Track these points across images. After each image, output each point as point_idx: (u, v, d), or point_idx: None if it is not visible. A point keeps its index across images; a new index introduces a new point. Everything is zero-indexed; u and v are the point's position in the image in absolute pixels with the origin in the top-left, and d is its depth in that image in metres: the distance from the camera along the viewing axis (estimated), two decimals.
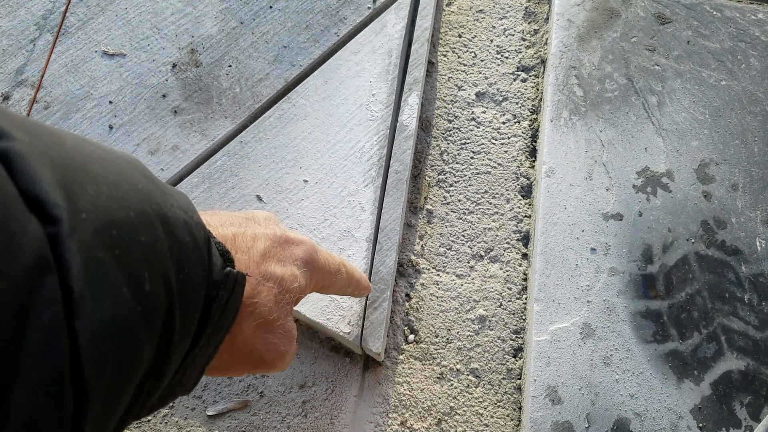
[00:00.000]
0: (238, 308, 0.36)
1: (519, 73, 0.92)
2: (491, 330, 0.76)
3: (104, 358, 0.23)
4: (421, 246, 0.81)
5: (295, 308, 0.71)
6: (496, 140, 0.87)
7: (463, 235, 0.82)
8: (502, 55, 0.93)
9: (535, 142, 0.87)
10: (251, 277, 0.39)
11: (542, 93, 0.89)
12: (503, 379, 0.74)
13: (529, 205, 0.83)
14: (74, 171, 0.24)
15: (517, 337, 0.76)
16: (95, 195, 0.24)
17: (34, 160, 0.22)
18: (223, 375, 0.43)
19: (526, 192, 0.84)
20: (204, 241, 0.32)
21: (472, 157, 0.86)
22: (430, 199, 0.84)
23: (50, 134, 0.24)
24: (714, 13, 0.91)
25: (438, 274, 0.80)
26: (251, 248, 0.41)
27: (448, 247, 0.81)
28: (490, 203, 0.83)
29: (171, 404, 0.72)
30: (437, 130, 0.88)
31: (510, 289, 0.79)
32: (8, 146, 0.21)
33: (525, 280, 0.79)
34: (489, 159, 0.86)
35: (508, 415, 0.72)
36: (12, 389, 0.19)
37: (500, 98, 0.90)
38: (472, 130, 0.88)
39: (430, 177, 0.85)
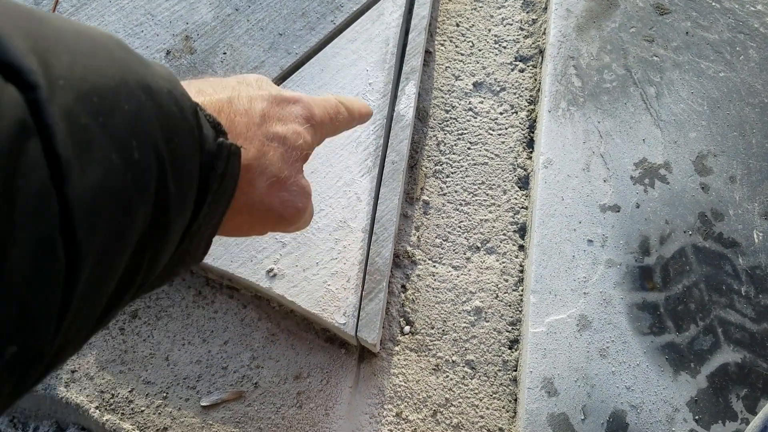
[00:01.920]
0: (236, 178, 0.36)
1: (517, 63, 0.91)
2: (487, 321, 0.76)
3: (96, 222, 0.23)
4: (418, 237, 0.81)
5: (289, 299, 0.71)
6: (493, 131, 0.87)
7: (460, 227, 0.81)
8: (499, 45, 0.93)
9: (533, 132, 0.86)
10: (255, 139, 0.40)
11: (540, 83, 0.88)
12: (499, 370, 0.74)
13: (526, 196, 0.83)
14: (46, 39, 0.23)
15: (513, 328, 0.76)
16: (70, 63, 0.24)
17: (2, 29, 0.22)
18: (249, 234, 0.44)
19: (523, 183, 0.83)
20: (192, 111, 0.32)
21: (469, 148, 0.86)
22: (427, 189, 0.83)
23: (18, 7, 0.24)
24: (713, 4, 0.91)
25: (434, 266, 0.79)
26: (249, 110, 0.41)
27: (444, 238, 0.81)
28: (487, 194, 0.83)
29: (165, 394, 0.72)
30: (434, 120, 0.87)
31: (506, 280, 0.78)
32: None
33: (521, 271, 0.79)
34: (486, 150, 0.85)
35: (503, 407, 0.72)
36: (5, 252, 0.19)
37: (498, 88, 0.89)
38: (469, 121, 0.87)
39: (426, 167, 0.85)
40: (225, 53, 0.85)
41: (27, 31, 0.23)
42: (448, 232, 0.81)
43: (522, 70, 0.91)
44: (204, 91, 0.39)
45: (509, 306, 0.77)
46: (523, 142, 0.86)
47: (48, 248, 0.21)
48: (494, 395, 0.73)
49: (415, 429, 0.71)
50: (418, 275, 0.79)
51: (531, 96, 0.89)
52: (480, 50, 0.92)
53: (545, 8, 0.94)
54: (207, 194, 0.33)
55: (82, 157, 0.23)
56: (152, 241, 0.29)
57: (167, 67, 0.33)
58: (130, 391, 0.72)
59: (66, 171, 0.22)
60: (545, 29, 0.91)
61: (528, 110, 0.87)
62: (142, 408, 0.71)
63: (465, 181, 0.83)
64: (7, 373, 0.21)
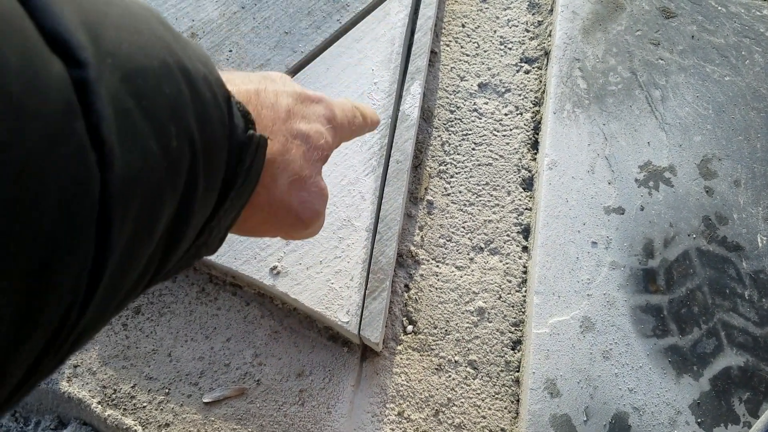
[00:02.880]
0: (260, 172, 0.35)
1: (522, 64, 0.91)
2: (490, 322, 0.76)
3: (129, 210, 0.22)
4: (421, 237, 0.81)
5: (293, 296, 0.71)
6: (497, 132, 0.87)
7: (464, 227, 0.81)
8: (505, 46, 0.93)
9: (538, 134, 0.86)
10: (279, 134, 0.39)
11: (545, 85, 0.88)
12: (502, 371, 0.74)
13: (530, 197, 0.83)
14: (96, 12, 0.22)
15: (516, 329, 0.76)
16: (118, 40, 0.22)
17: None
18: (263, 235, 0.43)
19: (528, 184, 0.83)
20: (224, 99, 0.31)
21: (473, 149, 0.86)
22: (431, 189, 0.83)
23: None
24: (719, 8, 0.91)
25: (437, 266, 0.79)
26: (275, 104, 0.40)
27: (448, 238, 0.81)
28: (491, 195, 0.83)
29: (168, 390, 0.72)
30: (439, 120, 0.88)
31: (510, 281, 0.78)
32: None
33: (525, 272, 0.79)
34: (490, 150, 0.85)
35: (505, 408, 0.72)
36: (43, 233, 0.19)
37: (503, 89, 0.89)
38: (474, 121, 0.87)
39: (431, 168, 0.85)
40: (231, 51, 0.85)
41: (76, 1, 0.21)
42: (452, 233, 0.81)
43: (527, 72, 0.91)
44: (232, 81, 0.38)
45: (512, 307, 0.77)
46: (528, 144, 0.86)
47: (83, 237, 0.20)
48: (496, 396, 0.73)
49: (417, 428, 0.71)
50: (422, 275, 0.79)
51: (536, 98, 0.89)
52: (485, 51, 0.92)
53: (551, 10, 0.94)
54: (231, 187, 0.32)
55: (124, 143, 0.22)
56: (173, 231, 0.28)
57: (203, 47, 0.32)
58: (132, 387, 0.72)
59: (109, 157, 0.21)
60: (551, 31, 0.92)
61: (533, 112, 0.88)
62: (144, 404, 0.71)
63: (469, 182, 0.84)
64: (25, 363, 0.21)
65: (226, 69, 0.39)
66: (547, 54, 0.91)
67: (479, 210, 0.82)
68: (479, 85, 0.90)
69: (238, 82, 0.39)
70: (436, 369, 0.74)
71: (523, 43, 0.93)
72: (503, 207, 0.82)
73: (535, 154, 0.85)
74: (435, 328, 0.76)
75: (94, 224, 0.21)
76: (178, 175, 0.26)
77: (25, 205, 0.18)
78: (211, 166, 0.29)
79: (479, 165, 0.85)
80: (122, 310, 0.28)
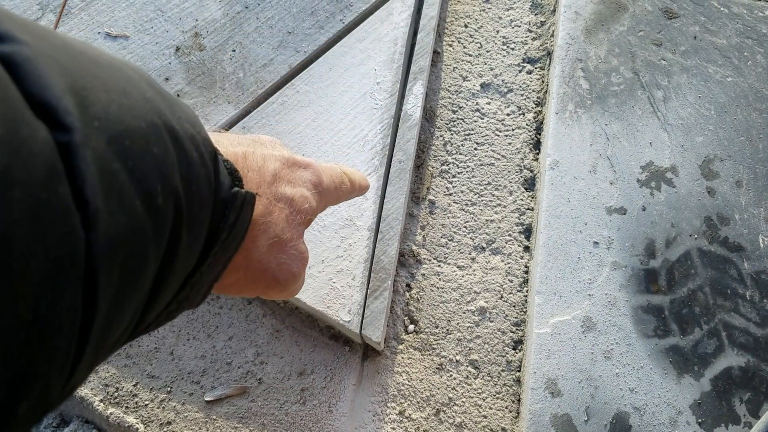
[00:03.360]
0: (246, 228, 0.36)
1: (525, 64, 0.91)
2: (491, 322, 0.76)
3: (113, 270, 0.23)
4: (423, 236, 0.81)
5: (295, 296, 0.71)
6: (500, 132, 0.87)
7: (465, 227, 0.81)
8: (507, 46, 0.93)
9: (540, 134, 0.86)
10: (263, 197, 0.39)
11: (548, 85, 0.88)
12: (503, 371, 0.74)
13: (532, 197, 0.83)
14: (84, 76, 0.22)
15: (517, 329, 0.76)
16: (107, 102, 0.23)
17: (42, 64, 0.20)
18: (238, 294, 0.43)
19: (530, 184, 0.84)
20: (211, 157, 0.31)
21: (475, 149, 0.86)
22: (433, 189, 0.84)
23: (56, 37, 0.23)
24: (721, 9, 0.91)
25: (439, 265, 0.79)
26: (262, 168, 0.40)
27: (449, 238, 0.81)
28: (493, 195, 0.83)
29: (170, 389, 0.72)
30: (441, 120, 0.88)
31: (511, 281, 0.78)
32: (13, 50, 0.20)
33: (526, 272, 0.79)
34: (493, 150, 0.86)
35: (506, 407, 0.72)
36: (31, 296, 0.19)
37: (505, 90, 0.90)
38: (476, 121, 0.87)
39: (433, 167, 0.85)
40: (234, 51, 0.85)
41: (64, 65, 0.22)
42: (454, 232, 0.81)
43: (530, 72, 0.91)
44: (221, 143, 0.38)
45: (514, 306, 0.77)
46: (530, 144, 0.86)
47: (71, 297, 0.21)
48: (497, 395, 0.73)
49: (418, 427, 0.71)
50: (423, 274, 0.79)
51: (538, 98, 0.89)
52: (488, 51, 0.92)
53: (554, 10, 0.94)
54: (215, 243, 0.33)
55: (109, 204, 0.22)
56: (154, 286, 0.28)
57: (190, 107, 0.32)
58: (134, 385, 0.72)
59: (93, 218, 0.21)
60: (553, 31, 0.92)
61: (535, 112, 0.88)
62: (146, 402, 0.72)
63: (471, 182, 0.84)
64: (19, 424, 0.20)
65: (214, 131, 0.40)
66: (549, 54, 0.91)
67: (481, 210, 0.82)
68: (482, 85, 0.90)
69: (226, 144, 0.39)
70: (438, 368, 0.74)
71: (526, 44, 0.93)
72: (505, 207, 0.82)
73: (537, 154, 0.85)
74: (436, 327, 0.76)
75: (81, 283, 0.21)
76: (162, 232, 0.26)
77: (11, 268, 0.18)
78: (195, 223, 0.30)
79: (481, 165, 0.85)
80: (97, 365, 0.29)
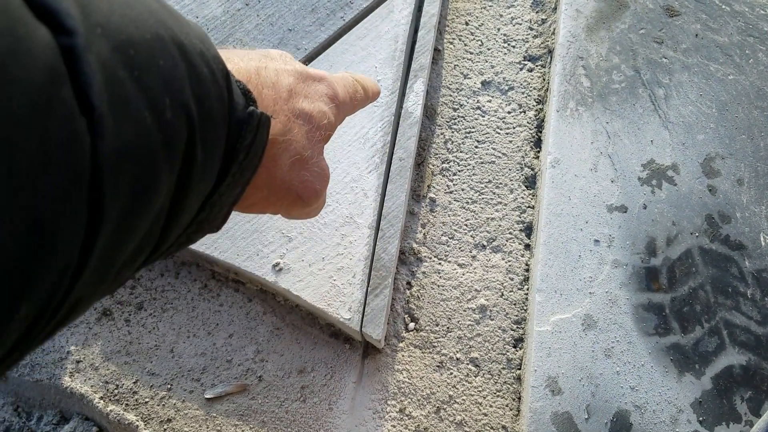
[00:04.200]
0: (263, 149, 0.35)
1: (525, 62, 0.91)
2: (492, 320, 0.76)
3: (122, 181, 0.22)
4: (424, 234, 0.81)
5: (295, 293, 0.71)
6: (501, 130, 0.87)
7: (466, 225, 0.81)
8: (508, 44, 0.93)
9: (541, 132, 0.86)
10: (281, 114, 0.39)
11: (549, 83, 0.88)
12: (503, 368, 0.74)
13: (533, 195, 0.83)
14: None
15: (518, 327, 0.76)
16: (108, 12, 0.22)
17: None
18: (262, 212, 0.43)
19: (530, 182, 0.83)
20: (223, 76, 0.30)
21: (476, 147, 0.86)
22: (434, 187, 0.83)
23: None
24: (723, 6, 0.91)
25: (440, 263, 0.79)
26: (276, 83, 0.39)
27: (450, 236, 0.81)
28: (494, 193, 0.83)
29: (170, 386, 0.72)
30: (442, 118, 0.88)
31: (512, 279, 0.78)
32: None
33: (527, 270, 0.79)
34: (493, 148, 0.85)
35: (507, 405, 0.72)
36: (33, 197, 0.18)
37: (506, 87, 0.89)
38: (477, 119, 0.87)
39: (433, 165, 0.85)
40: (234, 48, 0.85)
41: None
42: (454, 230, 0.81)
43: (531, 70, 0.91)
44: (231, 59, 0.37)
45: (514, 304, 0.77)
46: (531, 142, 0.86)
47: (74, 203, 0.20)
48: (498, 393, 0.73)
49: (419, 425, 0.71)
50: (424, 272, 0.79)
51: (539, 96, 0.89)
52: (489, 49, 0.92)
53: (555, 8, 0.94)
54: (232, 164, 0.32)
55: (116, 112, 0.21)
56: (172, 206, 0.28)
57: (201, 26, 0.31)
58: (134, 383, 0.72)
59: (99, 125, 0.20)
60: (555, 29, 0.91)
61: (536, 110, 0.87)
62: (147, 399, 0.72)
63: (472, 180, 0.84)
64: (17, 330, 0.20)
65: (222, 48, 0.38)
66: (550, 52, 0.91)
67: (482, 208, 0.82)
68: (482, 83, 0.90)
69: (236, 60, 0.38)
70: (438, 366, 0.74)
71: (527, 41, 0.93)
72: (506, 205, 0.82)
73: (538, 152, 0.85)
74: (437, 325, 0.76)
75: (86, 191, 0.21)
76: (175, 149, 0.26)
77: (10, 167, 0.18)
78: (210, 143, 0.29)
79: (482, 163, 0.85)
80: (122, 282, 0.28)
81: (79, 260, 0.22)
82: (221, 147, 0.31)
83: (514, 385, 0.73)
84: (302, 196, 0.42)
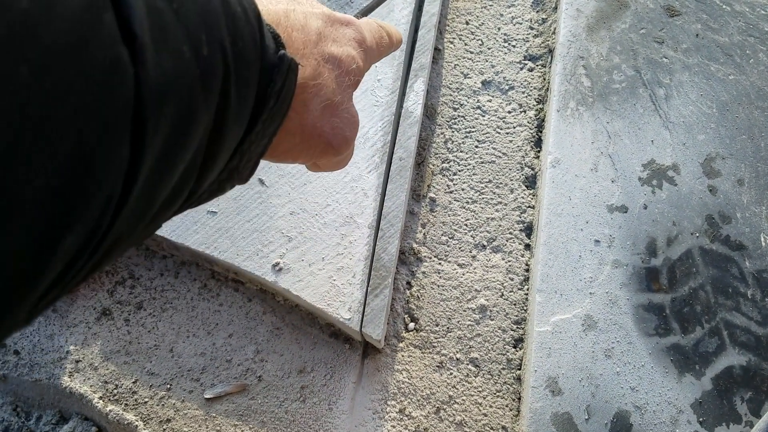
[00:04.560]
0: (292, 95, 0.34)
1: (526, 62, 0.91)
2: (492, 320, 0.76)
3: (163, 113, 0.22)
4: (424, 234, 0.81)
5: (295, 293, 0.71)
6: (501, 129, 0.86)
7: (466, 225, 0.81)
8: (509, 44, 0.92)
9: (541, 132, 0.86)
10: (311, 57, 0.38)
11: (549, 83, 0.88)
12: (503, 369, 0.74)
13: (533, 195, 0.82)
14: None
15: (518, 327, 0.76)
16: None
17: None
18: (294, 161, 0.42)
19: (531, 182, 0.83)
20: (255, 16, 0.30)
21: (476, 146, 0.85)
22: (434, 187, 0.83)
23: None
24: (724, 6, 0.90)
25: (440, 263, 0.79)
26: (305, 26, 0.39)
27: (450, 236, 0.81)
28: (494, 193, 0.83)
29: (169, 386, 0.72)
30: (442, 117, 0.87)
31: (512, 279, 0.78)
32: None
33: (527, 270, 0.78)
34: (494, 148, 0.85)
35: (507, 405, 0.72)
36: (78, 123, 0.18)
37: (506, 87, 0.89)
38: (477, 119, 0.87)
39: (433, 165, 0.84)
40: None
41: None
42: (455, 230, 0.81)
43: (531, 70, 0.90)
44: (260, 1, 0.36)
45: (514, 305, 0.77)
46: (531, 142, 0.85)
47: (119, 132, 0.20)
48: (498, 393, 0.73)
49: (418, 426, 0.71)
50: (424, 272, 0.79)
51: (539, 95, 0.88)
52: (489, 49, 0.92)
53: (555, 8, 0.94)
54: (262, 110, 0.31)
55: (157, 42, 0.21)
56: (208, 148, 0.27)
57: None
58: (134, 382, 0.72)
59: (141, 54, 0.20)
60: (555, 29, 0.91)
61: (536, 109, 0.87)
62: (146, 399, 0.71)
63: (472, 179, 0.83)
64: (60, 262, 0.20)
65: None
66: (551, 52, 0.91)
67: (482, 208, 0.82)
68: (483, 83, 0.90)
69: (265, 2, 0.37)
70: (438, 366, 0.74)
71: (527, 41, 0.92)
72: (506, 205, 0.82)
73: (539, 151, 0.85)
74: (437, 325, 0.76)
75: (130, 121, 0.20)
76: (211, 86, 0.25)
77: (52, 90, 0.17)
78: (243, 83, 0.28)
79: (482, 162, 0.84)
80: (156, 228, 0.28)
81: (122, 192, 0.21)
82: (254, 90, 0.30)
83: (514, 386, 0.73)
84: (332, 143, 0.41)
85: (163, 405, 0.71)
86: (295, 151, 0.40)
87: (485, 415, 0.72)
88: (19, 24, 0.16)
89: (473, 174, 0.84)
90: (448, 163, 0.85)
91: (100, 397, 0.71)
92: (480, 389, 0.73)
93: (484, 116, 0.87)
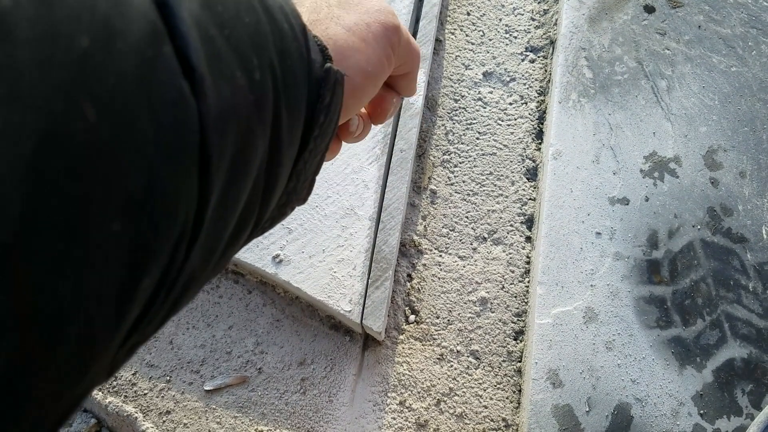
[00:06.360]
0: (339, 109, 0.33)
1: (527, 53, 0.91)
2: (493, 312, 0.76)
3: (225, 146, 0.21)
4: (424, 226, 0.80)
5: (295, 285, 0.70)
6: (502, 121, 0.86)
7: (467, 217, 0.81)
8: (510, 35, 0.92)
9: (542, 124, 0.85)
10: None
11: (551, 74, 0.87)
12: (503, 361, 0.74)
13: (534, 187, 0.82)
14: None
15: (518, 319, 0.75)
16: None
17: None
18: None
19: (532, 174, 0.83)
20: (301, 31, 0.29)
21: (477, 138, 0.85)
22: (434, 179, 0.83)
23: None
24: None
25: (440, 255, 0.79)
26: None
27: (451, 228, 0.80)
28: (495, 185, 0.82)
29: (169, 378, 0.71)
30: (443, 109, 0.87)
31: (513, 271, 0.78)
32: None
33: (528, 263, 0.78)
34: (495, 140, 0.85)
35: (507, 398, 0.72)
36: (149, 158, 0.17)
37: (508, 78, 0.89)
38: (478, 111, 0.87)
39: (434, 157, 0.84)
40: None
41: None
42: (455, 222, 0.80)
43: (532, 61, 0.90)
44: (303, 13, 0.35)
45: (515, 297, 0.76)
46: (533, 134, 0.85)
47: (187, 167, 0.19)
48: (498, 385, 0.72)
49: (419, 417, 0.71)
50: (424, 264, 0.78)
51: (541, 87, 0.88)
52: (490, 40, 0.92)
53: None
54: (313, 127, 0.30)
55: (213, 72, 0.20)
56: (267, 175, 0.26)
57: None
58: (133, 374, 0.72)
59: (201, 85, 0.20)
60: (557, 20, 0.91)
61: (538, 101, 0.87)
62: (146, 391, 0.71)
63: (473, 172, 0.83)
64: (138, 304, 0.19)
65: None
66: (552, 43, 0.90)
67: (483, 200, 0.82)
68: (484, 74, 0.89)
69: (306, 14, 0.36)
70: (438, 359, 0.74)
71: (529, 32, 0.92)
72: (507, 197, 0.82)
73: (540, 144, 0.84)
74: (437, 317, 0.76)
75: (197, 154, 0.20)
76: (265, 111, 0.24)
77: (127, 128, 0.17)
78: (293, 102, 0.28)
79: (483, 154, 0.84)
80: (226, 262, 0.27)
81: (194, 227, 0.21)
82: (304, 108, 0.29)
83: (514, 378, 0.73)
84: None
85: (162, 397, 0.71)
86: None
87: (486, 407, 0.72)
88: (81, 64, 0.16)
89: (474, 166, 0.83)
90: (449, 155, 0.84)
91: (99, 389, 0.71)
92: (480, 381, 0.73)
93: (485, 108, 0.87)
